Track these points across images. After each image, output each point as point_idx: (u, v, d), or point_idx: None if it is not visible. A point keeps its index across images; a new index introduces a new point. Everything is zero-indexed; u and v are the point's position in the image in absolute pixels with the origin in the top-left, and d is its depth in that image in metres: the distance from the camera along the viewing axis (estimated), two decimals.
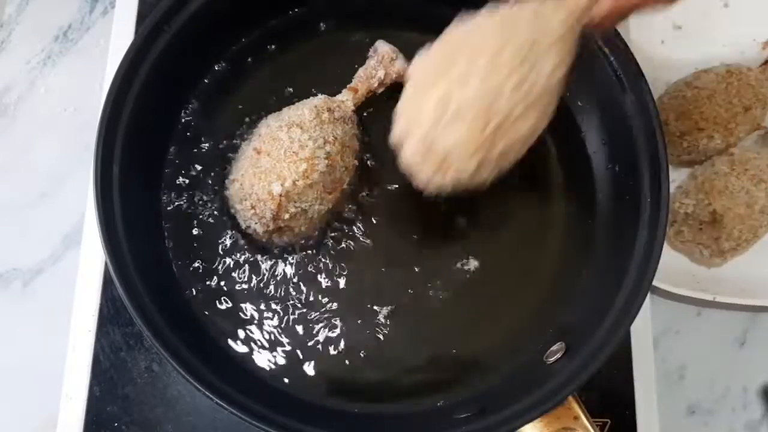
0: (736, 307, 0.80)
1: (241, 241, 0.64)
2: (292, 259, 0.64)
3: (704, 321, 0.81)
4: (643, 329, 0.74)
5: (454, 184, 0.51)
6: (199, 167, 0.66)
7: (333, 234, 0.65)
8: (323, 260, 0.65)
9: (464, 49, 0.48)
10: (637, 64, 0.61)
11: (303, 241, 0.65)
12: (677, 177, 0.84)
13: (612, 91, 0.63)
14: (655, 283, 0.67)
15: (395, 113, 0.52)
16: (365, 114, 0.69)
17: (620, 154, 0.64)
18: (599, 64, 0.63)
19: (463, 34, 0.49)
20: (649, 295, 0.58)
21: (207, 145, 0.67)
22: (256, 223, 0.62)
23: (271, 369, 0.62)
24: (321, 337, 0.63)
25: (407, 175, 0.54)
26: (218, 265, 0.64)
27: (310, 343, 0.63)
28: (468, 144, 0.47)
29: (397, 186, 0.67)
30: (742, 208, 0.76)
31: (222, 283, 0.64)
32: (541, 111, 0.48)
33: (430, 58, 0.50)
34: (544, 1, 0.48)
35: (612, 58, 0.63)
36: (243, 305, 0.63)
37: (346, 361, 0.62)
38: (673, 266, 0.79)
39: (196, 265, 0.64)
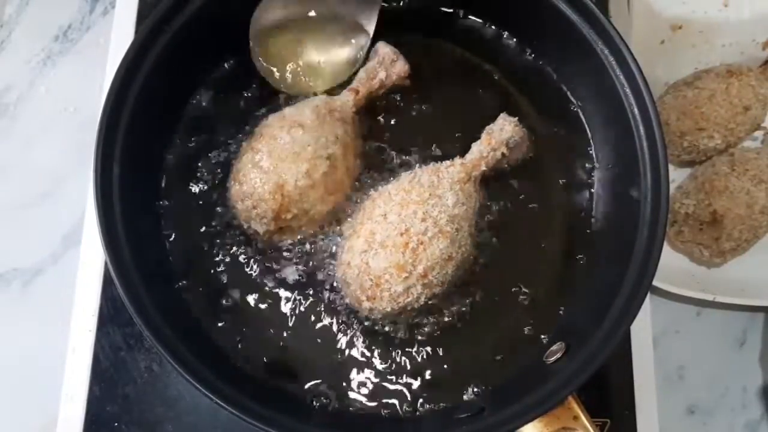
0: (736, 307, 0.80)
1: (242, 241, 0.64)
2: (292, 259, 0.64)
3: (704, 321, 0.81)
4: (643, 329, 0.74)
5: (391, 306, 0.59)
6: (199, 167, 0.66)
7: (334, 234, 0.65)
8: (324, 260, 0.64)
9: (383, 195, 0.62)
10: (637, 63, 0.61)
11: (305, 241, 0.65)
12: (677, 177, 0.84)
13: (612, 91, 0.63)
14: (655, 283, 0.67)
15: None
16: (366, 115, 0.69)
17: (620, 154, 0.65)
18: (599, 64, 0.63)
19: (388, 187, 0.63)
20: (649, 295, 0.58)
21: (207, 144, 0.67)
22: (257, 223, 0.62)
23: (271, 369, 0.62)
24: (322, 339, 0.63)
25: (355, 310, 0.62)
26: (218, 264, 0.64)
27: (310, 344, 0.62)
28: (394, 265, 0.58)
29: None
30: (742, 209, 0.76)
31: (222, 283, 0.64)
32: (451, 237, 0.60)
33: (362, 209, 0.63)
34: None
35: (612, 59, 0.63)
36: (243, 305, 0.63)
37: (347, 363, 0.62)
38: (673, 266, 0.79)
39: (196, 265, 0.64)
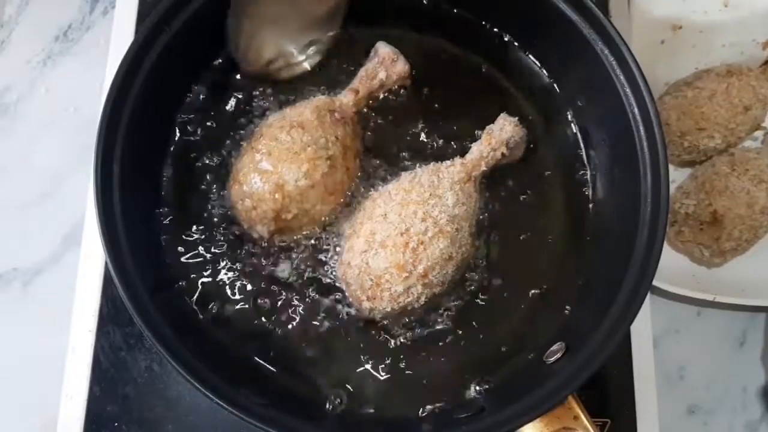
0: (736, 307, 0.80)
1: (242, 241, 0.64)
2: (293, 259, 0.64)
3: (704, 321, 0.81)
4: (643, 329, 0.74)
5: (391, 306, 0.59)
6: (199, 167, 0.66)
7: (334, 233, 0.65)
8: (324, 260, 0.64)
9: (383, 195, 0.62)
10: (637, 63, 0.61)
11: (305, 241, 0.65)
12: (677, 177, 0.84)
13: (612, 91, 0.63)
14: (655, 283, 0.67)
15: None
16: (366, 115, 0.69)
17: (620, 155, 0.64)
18: (599, 64, 0.63)
19: (388, 187, 0.63)
20: (649, 295, 0.58)
21: (207, 144, 0.67)
22: (257, 223, 0.62)
23: (271, 369, 0.62)
24: (322, 338, 0.63)
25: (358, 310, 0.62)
26: (218, 264, 0.64)
27: (310, 344, 0.62)
28: (394, 265, 0.58)
29: None
30: (742, 209, 0.76)
31: (222, 283, 0.64)
32: (451, 237, 0.60)
33: (363, 209, 0.63)
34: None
35: (612, 59, 0.63)
36: (243, 305, 0.63)
37: (347, 362, 0.62)
38: (673, 266, 0.79)
39: (197, 265, 0.64)
